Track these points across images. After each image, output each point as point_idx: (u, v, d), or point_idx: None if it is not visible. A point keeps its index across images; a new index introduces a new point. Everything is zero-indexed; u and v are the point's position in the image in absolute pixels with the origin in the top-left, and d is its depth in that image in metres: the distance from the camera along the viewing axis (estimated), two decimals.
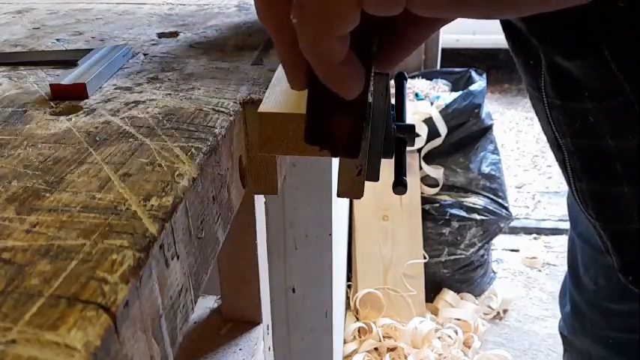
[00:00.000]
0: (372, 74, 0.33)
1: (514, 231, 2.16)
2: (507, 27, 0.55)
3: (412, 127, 0.47)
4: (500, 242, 2.07)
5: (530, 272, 1.99)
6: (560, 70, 0.51)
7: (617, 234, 0.55)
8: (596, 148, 0.52)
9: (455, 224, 1.69)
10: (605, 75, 0.46)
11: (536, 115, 0.59)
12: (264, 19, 0.31)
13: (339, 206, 1.35)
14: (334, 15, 0.28)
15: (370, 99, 0.33)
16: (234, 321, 0.67)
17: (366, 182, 0.42)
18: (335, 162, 0.42)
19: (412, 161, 1.68)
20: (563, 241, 2.14)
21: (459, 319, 1.70)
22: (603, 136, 0.50)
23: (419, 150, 1.68)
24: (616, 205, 0.53)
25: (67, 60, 0.52)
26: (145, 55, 0.55)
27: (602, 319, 0.75)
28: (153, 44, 0.59)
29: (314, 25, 0.28)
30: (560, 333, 0.87)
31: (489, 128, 1.76)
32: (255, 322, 0.67)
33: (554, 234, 2.17)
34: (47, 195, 0.31)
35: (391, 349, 1.62)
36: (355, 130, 0.33)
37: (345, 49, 0.29)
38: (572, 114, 0.52)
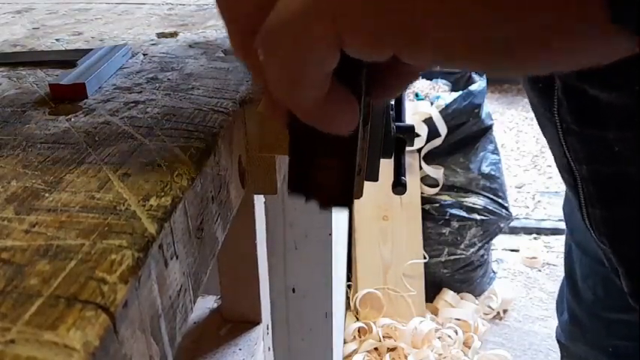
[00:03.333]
0: (364, 109, 0.29)
1: (514, 231, 2.15)
2: None
3: (411, 127, 0.47)
4: (501, 242, 2.07)
5: (530, 272, 1.99)
6: (582, 96, 0.48)
7: (630, 260, 0.53)
8: (615, 175, 0.50)
9: (455, 224, 1.69)
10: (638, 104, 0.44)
11: (544, 134, 0.57)
12: (239, 56, 0.29)
13: None
14: (306, 58, 0.24)
15: (360, 144, 0.29)
16: (234, 321, 0.67)
17: (365, 182, 0.42)
18: None
19: (412, 161, 1.68)
20: (563, 241, 2.13)
21: (458, 319, 1.70)
22: (624, 163, 0.48)
23: (419, 150, 1.68)
24: (631, 232, 0.52)
25: (67, 60, 0.52)
26: (144, 55, 0.55)
27: (602, 328, 0.75)
28: (152, 44, 0.59)
29: (283, 71, 0.25)
30: (558, 340, 0.86)
31: (489, 128, 1.76)
32: (255, 322, 0.67)
33: (554, 234, 2.17)
34: (46, 195, 0.31)
35: (391, 349, 1.62)
36: (344, 179, 0.28)
37: (324, 89, 0.26)
38: (592, 141, 0.50)
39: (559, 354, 0.87)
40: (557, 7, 0.20)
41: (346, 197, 0.29)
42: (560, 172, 0.58)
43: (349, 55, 0.24)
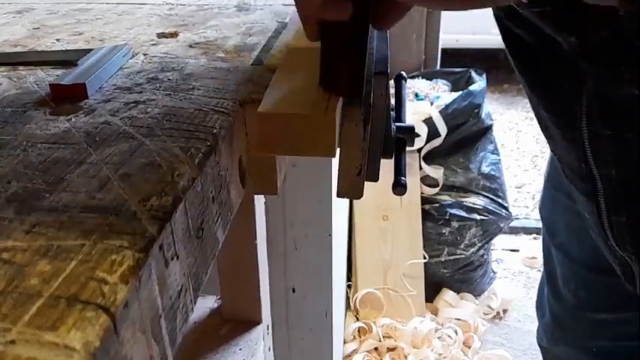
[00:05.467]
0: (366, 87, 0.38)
1: (514, 231, 2.15)
2: (518, 43, 0.52)
3: (411, 127, 0.47)
4: (500, 242, 2.07)
5: (530, 272, 1.99)
6: (616, 97, 0.47)
7: None
8: None
9: (455, 224, 1.69)
10: None
11: (554, 142, 0.56)
12: None
13: (339, 206, 1.35)
14: None
15: (368, 48, 0.39)
16: (234, 321, 0.67)
17: (365, 182, 0.42)
18: (335, 162, 0.43)
19: (412, 161, 1.68)
20: None
21: (458, 319, 1.70)
22: None
23: (419, 150, 1.68)
24: None
25: (67, 60, 0.52)
26: (144, 55, 0.55)
27: (585, 329, 0.75)
28: (153, 44, 0.59)
29: None
30: (539, 344, 0.86)
31: (489, 128, 1.76)
32: (255, 322, 0.67)
33: None
34: (47, 195, 0.31)
35: (391, 349, 1.62)
36: (354, 71, 0.39)
37: None
38: (626, 145, 0.48)
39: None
40: None
41: (356, 87, 0.39)
42: (571, 180, 0.56)
43: None
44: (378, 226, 1.68)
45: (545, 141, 0.56)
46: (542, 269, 2.03)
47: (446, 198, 1.70)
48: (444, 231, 1.70)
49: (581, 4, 0.37)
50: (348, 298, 1.71)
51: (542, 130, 0.58)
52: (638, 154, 0.48)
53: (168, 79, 0.48)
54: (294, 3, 0.39)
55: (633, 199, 0.51)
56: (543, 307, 0.83)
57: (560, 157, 0.57)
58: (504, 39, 0.54)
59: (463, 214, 1.69)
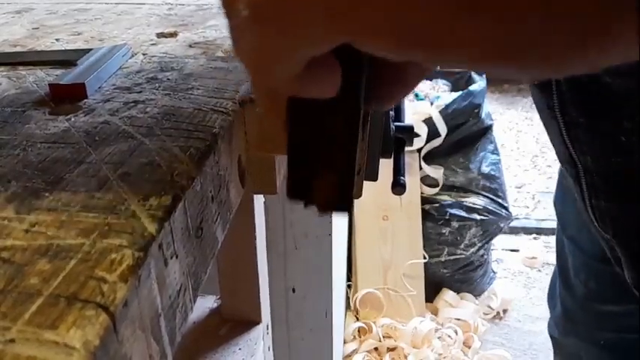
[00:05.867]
0: (363, 119, 0.28)
1: (514, 231, 2.15)
2: None
3: (411, 127, 0.47)
4: (500, 242, 2.07)
5: (530, 272, 1.99)
6: (590, 86, 0.46)
7: (635, 251, 0.53)
8: (623, 166, 0.49)
9: (455, 224, 1.69)
10: None
11: (546, 127, 0.57)
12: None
13: None
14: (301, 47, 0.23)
15: (359, 149, 0.28)
16: (234, 321, 0.67)
17: (365, 182, 0.42)
18: None
19: (412, 161, 1.68)
20: None
21: (458, 319, 1.70)
22: (633, 154, 0.48)
23: (419, 150, 1.68)
24: (637, 223, 0.51)
25: (67, 60, 0.52)
26: (144, 55, 0.55)
27: (594, 321, 0.75)
28: (152, 44, 0.59)
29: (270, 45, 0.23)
30: (551, 335, 0.86)
31: (489, 128, 1.76)
32: (255, 321, 0.67)
33: (554, 234, 2.16)
34: (46, 194, 0.31)
35: (391, 349, 1.62)
36: (344, 185, 0.28)
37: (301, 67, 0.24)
38: (600, 133, 0.49)
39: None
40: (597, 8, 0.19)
41: (345, 202, 0.28)
42: (561, 163, 0.58)
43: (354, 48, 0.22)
44: (378, 226, 1.68)
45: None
46: (542, 269, 2.02)
47: (446, 198, 1.70)
48: (444, 231, 1.70)
49: None
50: (348, 298, 1.71)
51: (540, 119, 0.59)
52: (612, 144, 0.48)
53: (168, 79, 0.48)
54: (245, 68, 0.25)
55: (610, 185, 0.52)
56: (555, 300, 0.84)
57: (552, 142, 0.58)
58: None
59: (463, 214, 1.69)
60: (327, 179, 0.28)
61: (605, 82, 0.46)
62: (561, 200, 0.81)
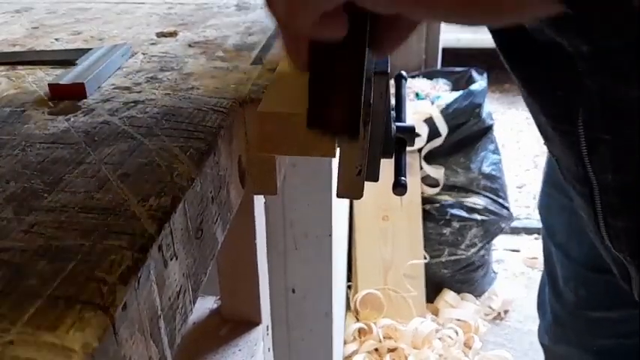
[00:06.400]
0: (368, 54, 0.34)
1: (515, 231, 2.15)
2: (513, 46, 0.51)
3: (412, 127, 0.47)
4: (501, 242, 2.06)
5: (531, 272, 1.98)
6: (622, 101, 0.45)
7: None
8: None
9: (455, 224, 1.69)
10: None
11: (552, 145, 0.55)
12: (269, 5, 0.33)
13: (339, 206, 1.35)
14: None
15: (366, 80, 0.34)
16: (234, 321, 0.67)
17: (365, 182, 0.42)
18: (335, 162, 0.42)
19: (413, 161, 1.68)
20: None
21: (459, 320, 1.70)
22: None
23: (419, 150, 1.68)
24: None
25: (66, 59, 0.52)
26: (143, 54, 0.55)
27: (585, 328, 0.75)
28: (152, 44, 0.59)
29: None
30: (541, 343, 0.86)
31: (490, 128, 1.75)
32: (255, 322, 0.67)
33: None
34: (45, 195, 0.31)
35: (391, 350, 1.62)
36: (353, 110, 0.33)
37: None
38: (625, 149, 0.48)
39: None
40: None
41: (353, 129, 0.33)
42: (569, 182, 0.55)
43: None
44: (379, 227, 1.68)
45: (550, 151, 0.55)
46: (542, 269, 2.02)
47: (446, 198, 1.70)
48: (444, 231, 1.70)
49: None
50: (348, 298, 1.71)
51: (541, 134, 0.57)
52: (635, 158, 0.47)
53: (168, 79, 0.48)
54: (275, 24, 0.34)
55: (630, 205, 0.50)
56: (544, 307, 0.83)
57: (559, 159, 0.56)
58: (499, 45, 0.53)
59: (464, 214, 1.69)
60: (339, 105, 0.33)
61: (637, 95, 0.44)
62: (546, 208, 0.80)
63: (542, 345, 0.85)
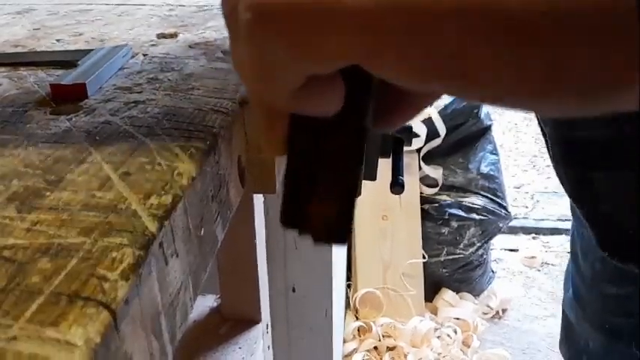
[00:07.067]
0: (365, 140, 0.26)
1: (513, 231, 2.16)
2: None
3: (409, 127, 0.47)
4: (499, 242, 2.07)
5: (529, 272, 1.99)
6: (573, 140, 0.48)
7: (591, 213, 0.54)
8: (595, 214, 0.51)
9: (454, 224, 1.70)
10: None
11: (571, 188, 0.59)
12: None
13: None
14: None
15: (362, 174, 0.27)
16: (234, 320, 0.68)
17: (364, 182, 0.42)
18: None
19: (411, 161, 1.68)
20: (561, 240, 2.14)
21: (458, 319, 1.70)
22: (603, 202, 0.50)
23: (418, 150, 1.68)
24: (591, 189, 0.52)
25: (67, 60, 0.52)
26: (144, 55, 0.56)
27: (599, 302, 0.75)
28: (152, 45, 0.59)
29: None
30: (563, 311, 0.87)
31: (488, 128, 1.76)
32: (255, 320, 0.67)
33: (552, 234, 2.17)
34: (47, 194, 0.31)
35: (391, 349, 1.63)
36: (342, 215, 0.25)
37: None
38: (591, 184, 0.50)
39: (558, 353, 0.87)
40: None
41: (343, 233, 0.26)
42: (585, 219, 0.59)
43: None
44: (378, 226, 1.68)
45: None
46: (541, 269, 2.02)
47: (445, 198, 1.71)
48: (443, 231, 1.70)
49: None
50: (347, 297, 1.71)
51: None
52: (583, 188, 0.49)
53: (168, 79, 0.49)
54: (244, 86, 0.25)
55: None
56: (568, 283, 0.85)
57: (576, 198, 0.59)
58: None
59: (462, 213, 1.69)
60: (325, 206, 0.25)
61: (583, 134, 0.47)
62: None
63: (564, 314, 0.86)
